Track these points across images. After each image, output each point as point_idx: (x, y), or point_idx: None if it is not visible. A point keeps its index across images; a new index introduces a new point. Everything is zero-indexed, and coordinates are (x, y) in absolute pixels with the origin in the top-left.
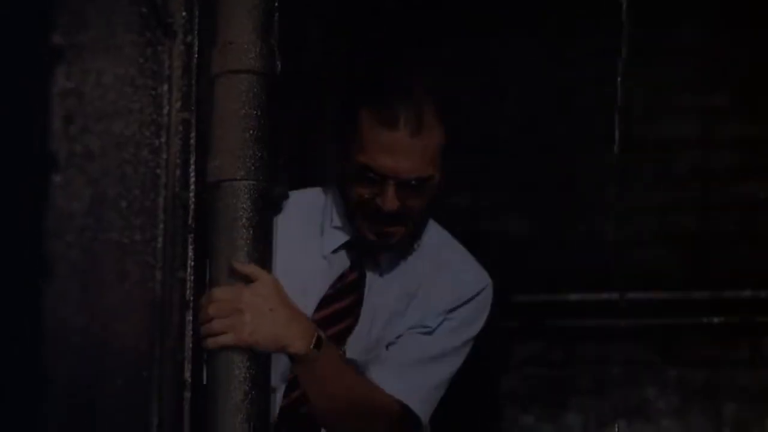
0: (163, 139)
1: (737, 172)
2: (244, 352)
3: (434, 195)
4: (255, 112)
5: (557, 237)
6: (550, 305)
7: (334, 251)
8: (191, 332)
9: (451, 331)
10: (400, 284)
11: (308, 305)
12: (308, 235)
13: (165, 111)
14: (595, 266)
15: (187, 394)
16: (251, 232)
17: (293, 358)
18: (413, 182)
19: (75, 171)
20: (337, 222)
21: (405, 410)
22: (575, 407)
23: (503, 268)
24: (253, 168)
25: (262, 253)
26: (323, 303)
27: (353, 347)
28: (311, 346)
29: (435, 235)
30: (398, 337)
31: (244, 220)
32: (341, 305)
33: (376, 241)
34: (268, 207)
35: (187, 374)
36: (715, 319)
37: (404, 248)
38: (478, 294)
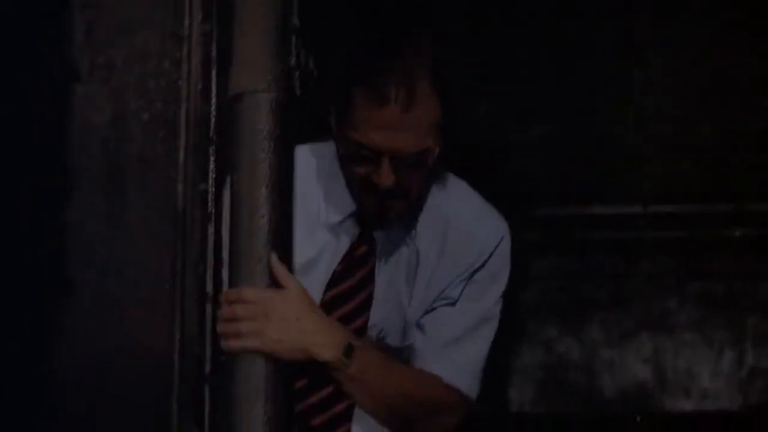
0: (184, 52)
1: (761, 83)
2: (264, 252)
3: (434, 166)
4: (276, 25)
5: (580, 149)
6: (573, 218)
7: (341, 222)
8: (213, 245)
9: (477, 297)
10: (412, 249)
11: (318, 279)
12: (313, 206)
13: (186, 23)
14: (618, 178)
15: (209, 307)
16: (272, 144)
17: (328, 367)
18: (409, 157)
19: (97, 83)
20: (342, 191)
21: (454, 390)
22: (597, 320)
23: (525, 180)
24: (274, 81)
25: (284, 165)
26: (334, 279)
27: (378, 318)
28: (340, 354)
29: (442, 190)
30: (427, 312)
31: (265, 132)
32: (353, 281)
33: (375, 216)
34: (289, 119)
35: (209, 287)
36: (738, 232)
37: (410, 216)
38: (495, 248)
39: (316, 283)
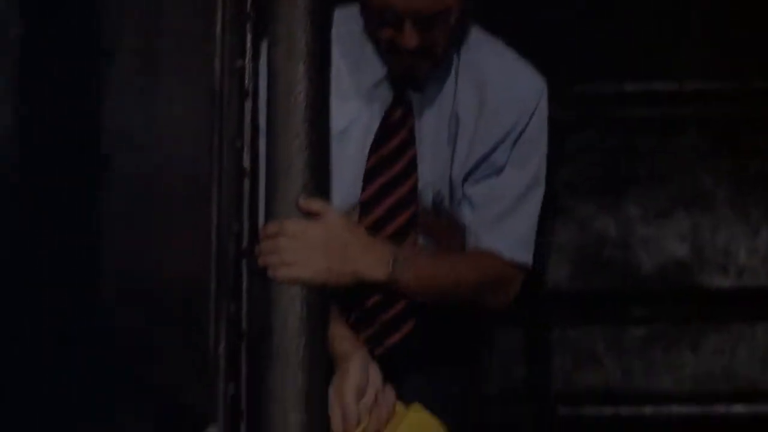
0: None
1: None
2: (301, 129)
3: (457, 25)
4: None
5: (616, 25)
6: (609, 95)
7: (374, 86)
8: (250, 121)
9: (523, 163)
10: (450, 109)
11: (356, 146)
12: (346, 71)
13: None
14: (654, 55)
15: (246, 182)
16: (310, 19)
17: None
18: (430, 18)
19: None
20: (372, 56)
21: (511, 262)
22: (633, 197)
23: (561, 58)
24: None
25: (321, 41)
26: (375, 144)
27: (428, 180)
28: (390, 271)
29: (477, 46)
30: (473, 183)
31: (302, 7)
32: (395, 143)
33: (403, 77)
34: None
35: (246, 162)
36: None
37: (444, 74)
38: (536, 107)
39: (354, 151)
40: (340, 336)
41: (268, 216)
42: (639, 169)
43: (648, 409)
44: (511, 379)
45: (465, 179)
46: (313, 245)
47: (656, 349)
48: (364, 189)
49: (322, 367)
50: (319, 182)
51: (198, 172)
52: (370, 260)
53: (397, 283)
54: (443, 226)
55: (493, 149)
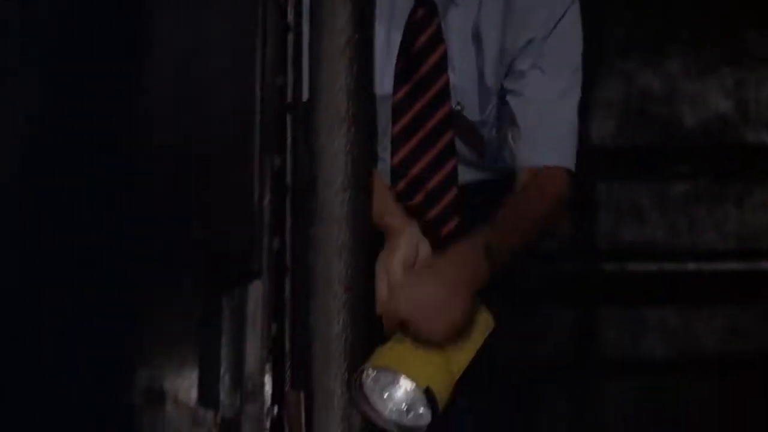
0: None
1: None
2: None
3: None
4: None
5: None
6: None
7: None
8: None
9: (556, 72)
10: (475, 10)
11: (379, 48)
12: None
13: None
14: None
15: (291, 36)
16: None
17: None
18: None
19: None
20: None
21: (565, 172)
22: (675, 54)
23: None
24: None
25: None
26: (404, 43)
27: (455, 82)
28: (493, 261)
29: None
30: (511, 92)
31: None
32: (423, 41)
33: None
34: None
35: (290, 17)
36: None
37: None
38: (565, 12)
39: (377, 53)
40: (391, 212)
41: (312, 71)
42: (684, 25)
43: (692, 266)
44: (556, 235)
45: (502, 92)
46: (428, 295)
47: (700, 205)
48: (396, 91)
49: (366, 222)
50: (363, 36)
51: (241, 25)
52: (477, 269)
53: (502, 264)
54: (468, 126)
55: (521, 54)
